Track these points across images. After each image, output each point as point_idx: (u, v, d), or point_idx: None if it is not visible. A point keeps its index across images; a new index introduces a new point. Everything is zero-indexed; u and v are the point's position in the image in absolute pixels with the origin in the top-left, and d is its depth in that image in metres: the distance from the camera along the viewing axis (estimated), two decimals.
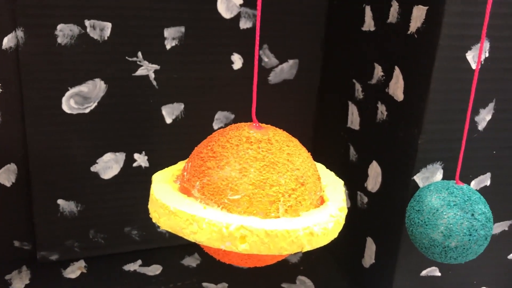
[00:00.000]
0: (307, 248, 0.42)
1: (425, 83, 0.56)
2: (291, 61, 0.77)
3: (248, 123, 0.48)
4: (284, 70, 0.77)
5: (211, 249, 0.45)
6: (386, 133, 0.64)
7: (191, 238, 0.41)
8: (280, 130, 0.48)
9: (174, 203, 0.42)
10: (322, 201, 0.47)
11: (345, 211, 0.46)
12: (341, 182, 0.51)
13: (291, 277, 0.75)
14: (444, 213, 0.53)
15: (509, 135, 0.60)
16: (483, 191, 0.62)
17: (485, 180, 0.62)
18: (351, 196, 0.73)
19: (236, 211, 0.42)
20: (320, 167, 0.53)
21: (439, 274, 0.66)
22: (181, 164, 0.51)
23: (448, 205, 0.53)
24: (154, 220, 0.43)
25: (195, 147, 0.47)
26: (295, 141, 0.47)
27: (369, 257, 0.70)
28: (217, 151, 0.44)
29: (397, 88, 0.61)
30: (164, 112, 0.73)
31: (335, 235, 0.44)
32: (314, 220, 0.42)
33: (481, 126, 0.59)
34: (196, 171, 0.44)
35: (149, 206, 0.44)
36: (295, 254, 0.80)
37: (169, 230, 0.42)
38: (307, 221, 0.42)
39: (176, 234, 0.42)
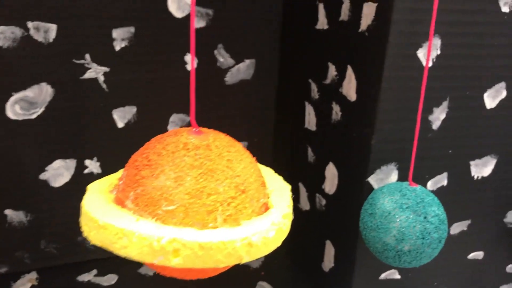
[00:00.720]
0: (246, 259, 0.40)
1: (376, 82, 0.55)
2: (247, 61, 0.75)
3: (188, 128, 0.45)
4: (241, 70, 0.75)
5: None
6: (341, 134, 0.62)
7: (122, 253, 0.38)
8: (223, 135, 0.46)
9: (104, 216, 0.39)
10: (266, 208, 0.45)
11: (290, 218, 0.45)
12: (288, 187, 0.49)
13: (252, 283, 0.73)
14: (397, 216, 0.51)
15: (464, 133, 0.59)
16: (440, 191, 0.61)
17: (442, 180, 0.61)
18: (310, 198, 0.71)
19: (171, 223, 0.40)
20: (268, 172, 0.51)
21: (398, 277, 0.65)
22: (120, 173, 0.48)
23: (401, 208, 0.52)
24: (84, 235, 0.41)
25: (132, 155, 0.45)
26: (238, 146, 0.45)
27: (328, 261, 0.68)
28: (152, 159, 0.42)
29: (350, 88, 0.59)
30: (115, 116, 0.70)
31: (278, 243, 0.42)
32: (253, 229, 0.40)
33: (435, 125, 0.58)
34: (131, 180, 0.42)
35: (81, 219, 0.42)
36: (256, 259, 0.78)
37: (100, 245, 0.40)
38: (246, 231, 0.40)
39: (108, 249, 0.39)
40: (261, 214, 0.44)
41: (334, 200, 0.66)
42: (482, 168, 0.61)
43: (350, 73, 0.59)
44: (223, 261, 0.39)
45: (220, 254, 0.38)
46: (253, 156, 0.77)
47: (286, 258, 0.78)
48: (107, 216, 0.40)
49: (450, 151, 0.60)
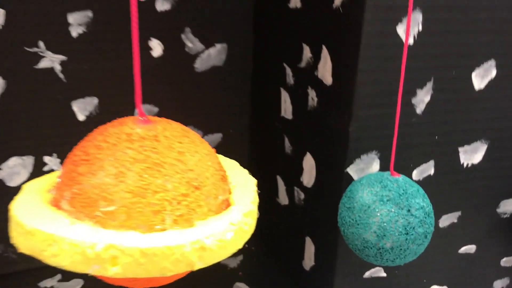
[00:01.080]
0: (199, 265, 0.35)
1: (353, 63, 0.49)
2: (218, 46, 0.69)
3: (134, 116, 0.40)
4: (211, 56, 0.69)
5: None
6: (318, 121, 0.57)
7: (53, 262, 0.33)
8: (175, 124, 0.41)
9: (33, 220, 0.34)
10: (228, 205, 0.40)
11: (254, 216, 0.40)
12: (254, 181, 0.44)
13: (228, 284, 0.68)
14: (377, 210, 0.46)
15: (451, 117, 0.54)
16: (426, 181, 0.56)
17: (428, 169, 0.56)
18: (289, 192, 0.66)
19: (111, 226, 0.34)
20: (231, 165, 0.46)
21: (384, 274, 0.60)
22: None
23: (381, 201, 0.46)
24: (12, 241, 0.35)
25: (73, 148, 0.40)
26: (193, 137, 0.40)
27: (308, 258, 0.63)
28: (91, 153, 0.37)
29: (325, 70, 0.54)
30: (75, 108, 0.65)
31: (239, 245, 0.37)
32: (208, 230, 0.35)
33: (419, 109, 0.53)
34: (67, 178, 0.37)
35: (10, 224, 0.36)
36: (235, 257, 0.73)
37: (29, 254, 0.34)
38: (199, 233, 0.35)
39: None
40: (220, 213, 0.38)
41: (313, 194, 0.61)
42: (472, 154, 0.56)
43: (325, 54, 0.54)
44: (171, 269, 0.33)
45: (166, 260, 0.33)
46: (230, 148, 0.72)
47: (266, 256, 0.73)
48: (36, 220, 0.34)
49: (436, 137, 0.54)
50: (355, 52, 0.49)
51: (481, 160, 0.57)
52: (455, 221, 0.60)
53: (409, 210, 0.46)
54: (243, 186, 0.42)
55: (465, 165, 0.57)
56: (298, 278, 0.67)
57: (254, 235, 0.75)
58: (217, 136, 0.73)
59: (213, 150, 0.41)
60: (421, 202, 0.47)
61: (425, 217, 0.47)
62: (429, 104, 0.53)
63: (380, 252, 0.47)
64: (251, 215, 0.39)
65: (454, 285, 0.63)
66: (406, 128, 0.53)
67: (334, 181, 0.55)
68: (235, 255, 0.74)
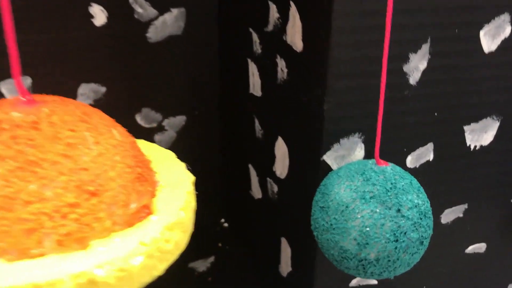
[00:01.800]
0: None
1: (325, 21, 0.38)
2: (175, 11, 0.58)
3: (15, 97, 0.29)
4: (167, 23, 0.58)
5: None
6: (288, 98, 0.46)
7: None
8: (73, 105, 0.30)
9: None
10: (149, 214, 0.29)
11: (184, 228, 0.29)
12: (190, 179, 0.33)
13: None
14: (357, 210, 0.36)
15: (454, 88, 0.43)
16: (424, 169, 0.45)
17: (426, 153, 0.45)
18: (262, 184, 0.56)
19: None
20: (163, 157, 0.35)
21: (374, 282, 0.50)
22: None
23: (363, 199, 0.36)
24: None
25: None
26: (96, 121, 0.30)
27: (285, 263, 0.53)
28: None
29: (294, 33, 0.43)
30: (4, 90, 0.54)
31: (154, 273, 0.27)
32: (104, 256, 0.25)
33: (413, 79, 0.41)
34: None
35: None
36: (204, 260, 0.63)
37: None
38: (88, 260, 0.24)
39: None
40: (132, 226, 0.28)
41: (287, 186, 0.50)
42: (481, 134, 0.45)
43: (293, 12, 0.43)
44: None
45: None
46: (196, 133, 0.61)
47: (241, 258, 0.63)
48: None
49: (435, 114, 0.43)
50: (328, 5, 0.37)
51: (492, 141, 0.46)
52: (461, 215, 0.49)
53: (399, 210, 0.35)
54: (174, 187, 0.32)
55: (472, 147, 0.46)
56: (274, 286, 0.57)
57: (229, 233, 0.64)
58: (180, 120, 0.62)
59: (130, 139, 0.31)
60: (415, 199, 0.36)
61: (420, 218, 0.36)
62: (425, 72, 0.41)
63: (363, 265, 0.36)
64: (178, 228, 0.29)
65: None
66: (396, 103, 0.42)
67: (309, 172, 0.45)
68: (205, 256, 0.64)
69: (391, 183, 0.36)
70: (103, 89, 0.58)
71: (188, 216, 0.30)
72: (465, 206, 0.48)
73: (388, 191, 0.36)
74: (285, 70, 0.46)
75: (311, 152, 0.44)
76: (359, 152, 0.43)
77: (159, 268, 0.27)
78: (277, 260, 0.55)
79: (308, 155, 0.44)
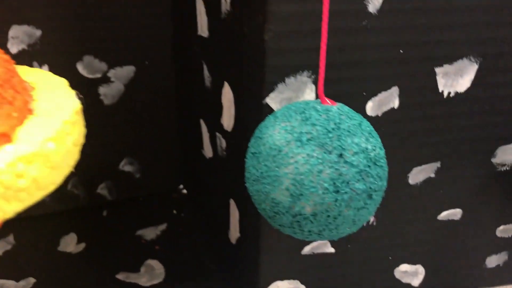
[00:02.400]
0: None
1: None
2: None
3: None
4: None
5: None
6: (232, 32, 0.40)
7: None
8: None
9: None
10: (7, 142, 0.23)
11: (48, 164, 0.23)
12: (72, 108, 0.27)
13: (136, 261, 0.52)
14: (291, 155, 0.29)
15: (424, 19, 0.36)
16: (388, 118, 0.39)
17: (390, 99, 0.38)
18: (212, 140, 0.49)
19: None
20: (54, 84, 0.29)
21: (331, 250, 0.43)
22: None
23: (298, 141, 0.29)
24: None
25: None
26: None
27: (234, 228, 0.47)
28: None
29: None
30: None
31: (4, 214, 0.21)
32: None
33: (373, 6, 0.35)
34: None
35: None
36: (155, 227, 0.57)
37: None
38: None
39: None
40: None
41: (234, 140, 0.44)
42: (456, 78, 0.39)
43: None
44: None
45: None
46: (147, 86, 0.55)
47: (192, 228, 0.57)
48: None
49: (401, 51, 0.37)
50: None
51: (469, 87, 0.39)
52: (432, 175, 0.42)
53: (341, 155, 0.29)
54: (49, 115, 0.25)
55: (445, 94, 0.39)
56: (223, 254, 0.51)
57: (185, 200, 0.57)
58: (128, 70, 0.56)
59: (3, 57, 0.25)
60: (363, 142, 0.30)
61: (368, 166, 0.29)
62: None
63: (298, 221, 0.30)
64: (40, 162, 0.22)
65: (431, 263, 0.47)
66: (353, 36, 0.35)
67: (253, 120, 0.38)
68: (156, 224, 0.58)
69: (335, 123, 0.30)
70: (38, 32, 0.51)
71: (61, 149, 0.24)
72: (437, 164, 0.42)
73: (330, 132, 0.29)
74: (229, 0, 0.39)
75: (254, 96, 0.37)
76: (309, 94, 0.37)
77: (6, 209, 0.21)
78: (227, 226, 0.48)
79: (252, 100, 0.38)
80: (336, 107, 0.31)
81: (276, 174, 0.30)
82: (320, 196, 0.29)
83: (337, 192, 0.29)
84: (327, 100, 0.31)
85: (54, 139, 0.23)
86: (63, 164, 0.24)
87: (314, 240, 0.39)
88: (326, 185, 0.29)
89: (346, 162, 0.29)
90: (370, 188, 0.30)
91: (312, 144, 0.29)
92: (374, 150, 0.30)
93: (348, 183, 0.29)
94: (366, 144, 0.30)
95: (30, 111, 0.25)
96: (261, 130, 0.32)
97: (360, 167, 0.29)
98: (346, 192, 0.29)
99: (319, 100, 0.32)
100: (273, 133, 0.31)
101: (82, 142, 0.27)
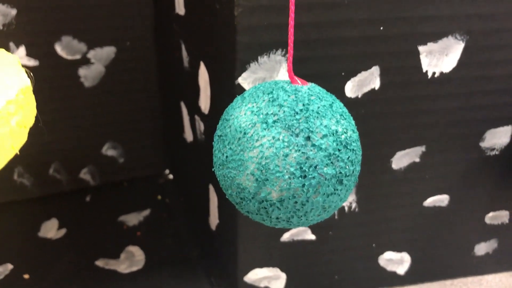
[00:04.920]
0: None
1: None
2: None
3: None
4: None
5: None
6: (206, 9, 0.38)
7: None
8: None
9: None
10: None
11: None
12: (19, 85, 0.25)
13: (116, 247, 0.51)
14: (256, 138, 0.27)
15: None
16: (368, 99, 0.37)
17: (370, 79, 0.36)
18: (192, 123, 0.48)
19: None
20: (4, 62, 0.27)
21: (312, 237, 0.42)
22: None
23: (264, 123, 0.28)
24: None
25: None
26: None
27: (213, 214, 0.46)
28: None
29: None
30: None
31: None
32: None
33: None
34: None
35: None
36: (138, 213, 0.56)
37: None
38: None
39: None
40: None
41: (210, 123, 0.42)
42: (440, 58, 0.37)
43: None
44: None
45: None
46: (128, 68, 0.53)
47: (175, 213, 0.56)
48: None
49: (381, 28, 0.35)
50: None
51: (455, 66, 0.37)
52: (417, 160, 0.41)
53: (308, 138, 0.27)
54: None
55: (429, 73, 0.37)
56: (204, 240, 0.49)
57: (170, 185, 0.56)
58: (109, 51, 0.54)
59: None
60: (333, 124, 0.28)
61: (338, 150, 0.28)
62: None
63: (265, 207, 0.28)
64: None
65: (417, 251, 0.45)
66: (329, 11, 0.33)
67: (226, 101, 0.36)
68: (140, 209, 0.57)
69: (303, 105, 0.28)
70: (13, 12, 0.49)
71: (2, 130, 0.22)
72: (422, 148, 0.40)
73: (297, 113, 0.28)
74: None
75: (227, 76, 0.35)
76: (284, 74, 0.35)
77: None
78: (207, 212, 0.47)
79: (226, 81, 0.36)
80: (307, 87, 0.29)
81: (241, 158, 0.28)
82: (286, 182, 0.27)
83: (304, 177, 0.27)
84: (298, 79, 0.30)
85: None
86: (5, 145, 0.23)
87: (285, 228, 0.38)
88: (292, 169, 0.27)
89: (314, 145, 0.27)
90: (340, 173, 0.28)
91: (278, 126, 0.27)
92: (345, 132, 0.28)
93: (315, 167, 0.27)
94: (337, 126, 0.28)
95: None
96: (228, 112, 0.30)
97: (329, 150, 0.27)
98: (313, 177, 0.27)
99: (289, 80, 0.30)
100: (239, 115, 0.29)
101: (31, 124, 0.26)
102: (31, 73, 0.27)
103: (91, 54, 0.53)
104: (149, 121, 0.59)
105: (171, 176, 0.62)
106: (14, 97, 0.24)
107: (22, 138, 0.25)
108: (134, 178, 0.62)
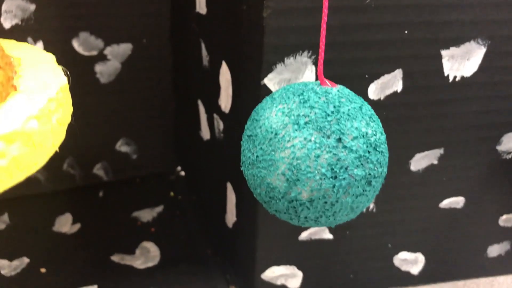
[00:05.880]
0: None
1: None
2: None
3: None
4: None
5: None
6: (230, 10, 0.38)
7: None
8: None
9: None
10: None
11: (30, 143, 0.22)
12: (59, 84, 0.25)
13: (131, 243, 0.51)
14: (287, 139, 0.28)
15: (430, 0, 0.34)
16: (391, 102, 0.37)
17: (394, 82, 0.37)
18: (210, 122, 0.48)
19: None
20: (41, 59, 0.27)
21: (329, 236, 0.42)
22: None
23: (296, 124, 0.28)
24: None
25: None
26: None
27: (230, 212, 0.46)
28: None
29: None
30: None
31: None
32: None
33: None
34: None
35: None
36: (151, 209, 0.56)
37: None
38: None
39: None
40: None
41: (231, 122, 0.42)
42: (462, 62, 0.37)
43: None
44: None
45: None
46: (143, 64, 0.53)
47: (189, 210, 0.56)
48: None
49: (406, 32, 0.35)
50: None
51: (476, 70, 0.38)
52: (435, 162, 0.41)
53: (340, 140, 0.28)
54: (33, 92, 0.24)
55: (451, 78, 0.38)
56: (219, 238, 0.50)
57: (182, 182, 0.56)
58: (126, 48, 0.54)
59: None
60: (364, 127, 0.29)
61: (368, 152, 0.28)
62: None
63: (294, 207, 0.29)
64: (22, 140, 0.21)
65: (431, 252, 0.46)
66: (355, 15, 0.33)
67: (251, 101, 0.37)
68: (152, 205, 0.57)
69: (334, 107, 0.28)
70: (32, 7, 0.50)
71: (44, 128, 0.23)
72: (441, 151, 0.41)
73: (329, 115, 0.28)
74: None
75: (252, 76, 0.36)
76: (309, 76, 0.35)
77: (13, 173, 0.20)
78: (224, 209, 0.47)
79: (250, 81, 0.37)
80: (336, 89, 0.30)
81: (272, 158, 0.28)
82: (317, 182, 0.28)
83: (335, 178, 0.28)
84: (327, 81, 0.30)
85: (37, 117, 0.22)
86: (46, 144, 0.23)
87: (311, 227, 0.38)
88: (323, 170, 0.27)
89: (345, 147, 0.28)
90: (370, 174, 0.29)
91: (310, 128, 0.28)
92: (374, 135, 0.29)
93: (346, 168, 0.28)
94: (367, 128, 0.29)
95: (13, 87, 0.24)
96: (257, 112, 0.31)
97: (359, 152, 0.28)
98: (344, 178, 0.28)
99: (318, 81, 0.31)
100: (269, 116, 0.29)
101: (68, 121, 0.26)
102: (67, 71, 0.28)
103: (107, 51, 0.54)
104: (163, 118, 0.59)
105: (183, 173, 0.63)
106: (54, 95, 0.24)
107: (61, 135, 0.25)
108: (146, 174, 0.62)
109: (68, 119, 0.26)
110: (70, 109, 0.27)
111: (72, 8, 0.51)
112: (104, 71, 0.54)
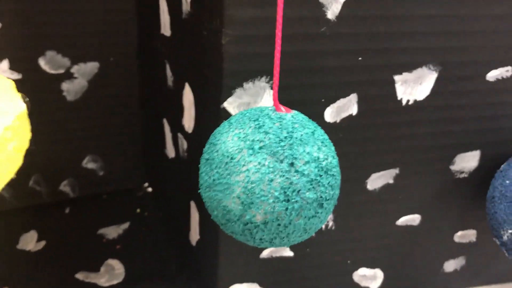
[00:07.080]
0: None
1: None
2: None
3: None
4: None
5: None
6: (192, 34, 0.39)
7: None
8: None
9: None
10: None
11: None
12: (15, 111, 0.26)
13: (96, 261, 0.51)
14: (243, 163, 0.29)
15: (383, 26, 0.36)
16: (347, 124, 0.39)
17: (349, 106, 0.38)
18: (174, 140, 0.49)
19: None
20: None
21: (290, 254, 0.43)
22: None
23: (251, 149, 0.29)
24: None
25: None
26: None
27: (194, 230, 0.47)
28: None
29: None
30: None
31: None
32: None
33: (331, 13, 0.35)
34: None
35: None
36: (117, 226, 0.56)
37: None
38: None
39: None
40: None
41: (194, 142, 0.43)
42: (414, 87, 0.39)
43: None
44: None
45: None
46: (110, 83, 0.54)
47: (155, 227, 0.57)
48: None
49: (359, 58, 0.37)
50: None
51: (428, 94, 0.39)
52: (391, 181, 0.43)
53: (292, 164, 0.29)
54: None
55: (404, 101, 0.39)
56: (184, 255, 0.50)
57: (149, 198, 0.57)
58: (92, 67, 0.55)
59: None
60: (315, 151, 0.30)
61: (320, 175, 0.29)
62: (347, 4, 0.34)
63: (249, 229, 0.30)
64: None
65: (390, 268, 0.47)
66: (310, 42, 0.35)
67: (211, 124, 0.38)
68: (119, 222, 0.58)
69: (287, 132, 0.30)
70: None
71: (0, 156, 0.23)
72: (396, 171, 0.42)
73: (282, 141, 0.29)
74: (189, 1, 0.39)
75: (213, 99, 0.37)
76: (267, 100, 0.36)
77: None
78: (188, 227, 0.48)
79: (210, 104, 0.37)
80: (291, 115, 0.31)
81: (228, 181, 0.29)
82: (270, 205, 0.29)
83: (288, 201, 0.29)
84: (282, 107, 0.31)
85: None
86: (2, 171, 0.24)
87: (260, 247, 0.39)
88: (276, 194, 0.28)
89: (297, 171, 0.29)
90: (321, 197, 0.30)
91: (264, 153, 0.29)
92: (326, 159, 0.30)
93: (298, 192, 0.29)
94: (318, 153, 0.30)
95: None
96: (215, 136, 0.32)
97: (311, 176, 0.29)
98: (296, 201, 0.29)
99: (274, 107, 0.32)
100: (226, 140, 0.30)
101: (26, 147, 0.27)
102: (27, 98, 0.28)
103: (74, 69, 0.54)
104: (129, 135, 0.60)
105: (150, 189, 0.63)
106: (10, 123, 0.25)
107: (18, 162, 0.26)
108: (113, 191, 0.62)
109: (25, 145, 0.27)
110: (28, 136, 0.27)
111: (38, 27, 0.51)
112: (71, 89, 0.55)
